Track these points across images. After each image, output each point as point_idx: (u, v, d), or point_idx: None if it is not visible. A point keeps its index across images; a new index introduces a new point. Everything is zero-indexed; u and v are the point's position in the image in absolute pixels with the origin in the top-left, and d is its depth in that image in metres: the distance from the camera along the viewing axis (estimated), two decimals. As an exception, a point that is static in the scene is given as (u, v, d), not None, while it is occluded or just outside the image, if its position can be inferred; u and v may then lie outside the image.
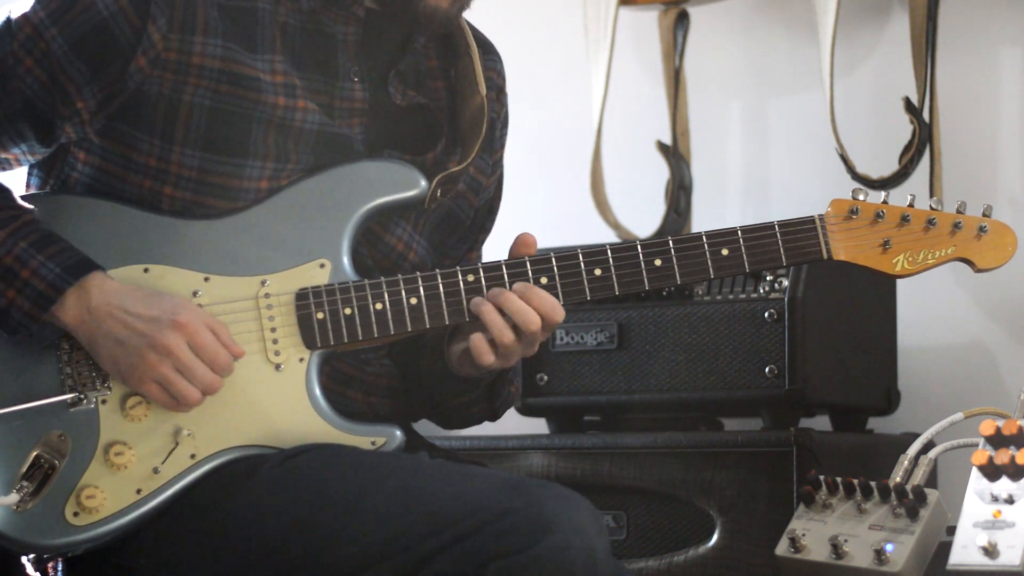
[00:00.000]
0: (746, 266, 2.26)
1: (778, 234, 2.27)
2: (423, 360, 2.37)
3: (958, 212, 2.31)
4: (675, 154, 3.57)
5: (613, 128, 3.64)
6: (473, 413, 2.41)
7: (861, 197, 2.29)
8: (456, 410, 2.40)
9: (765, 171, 3.64)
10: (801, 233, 2.27)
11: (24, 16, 2.20)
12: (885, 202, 2.29)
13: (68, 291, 2.13)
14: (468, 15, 2.37)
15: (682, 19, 3.56)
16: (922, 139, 3.23)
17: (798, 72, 3.56)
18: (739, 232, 2.26)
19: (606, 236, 3.56)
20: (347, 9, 2.27)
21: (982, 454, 2.33)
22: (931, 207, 2.30)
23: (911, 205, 2.30)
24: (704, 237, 2.26)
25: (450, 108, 2.37)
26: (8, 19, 2.21)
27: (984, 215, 2.31)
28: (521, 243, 2.26)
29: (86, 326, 2.14)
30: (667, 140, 3.59)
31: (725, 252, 2.26)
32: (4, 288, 2.14)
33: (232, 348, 2.17)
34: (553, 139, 3.81)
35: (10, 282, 2.13)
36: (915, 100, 3.24)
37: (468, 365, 2.27)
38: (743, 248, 2.26)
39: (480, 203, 2.42)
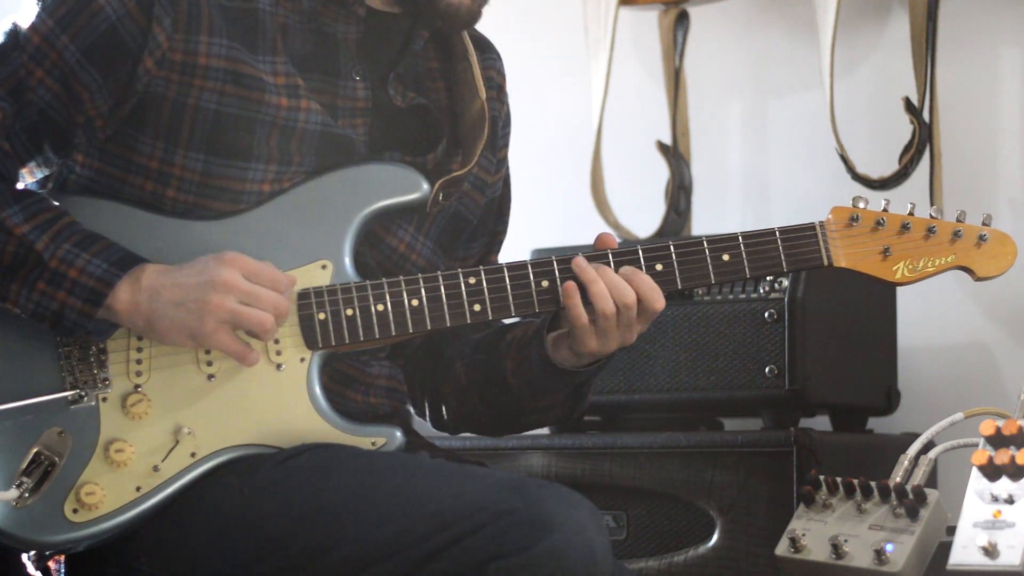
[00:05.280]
0: (747, 272, 2.26)
1: (779, 240, 2.27)
2: (508, 360, 2.35)
3: (958, 220, 2.32)
4: (675, 154, 3.57)
5: (613, 128, 3.63)
6: (548, 417, 2.39)
7: (861, 205, 2.30)
8: (534, 412, 2.38)
9: (765, 171, 3.64)
10: (802, 240, 2.28)
11: (31, 26, 2.17)
12: (885, 210, 2.30)
13: (119, 284, 2.13)
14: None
15: (682, 19, 3.56)
16: (922, 139, 3.23)
17: (798, 72, 3.56)
18: (740, 238, 2.26)
19: (606, 236, 3.56)
20: (347, 8, 2.27)
21: (982, 454, 2.33)
22: (931, 215, 2.31)
23: (911, 213, 2.31)
24: (705, 242, 2.26)
25: (450, 109, 2.37)
26: (15, 30, 2.18)
27: (984, 223, 2.32)
28: (600, 243, 2.29)
29: (141, 308, 2.13)
30: (667, 140, 3.59)
31: (726, 258, 2.27)
32: (54, 291, 2.13)
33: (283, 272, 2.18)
34: (553, 139, 3.81)
35: (59, 284, 2.13)
36: (915, 100, 3.24)
37: (566, 349, 2.26)
38: (744, 254, 2.26)
39: (485, 200, 2.42)
